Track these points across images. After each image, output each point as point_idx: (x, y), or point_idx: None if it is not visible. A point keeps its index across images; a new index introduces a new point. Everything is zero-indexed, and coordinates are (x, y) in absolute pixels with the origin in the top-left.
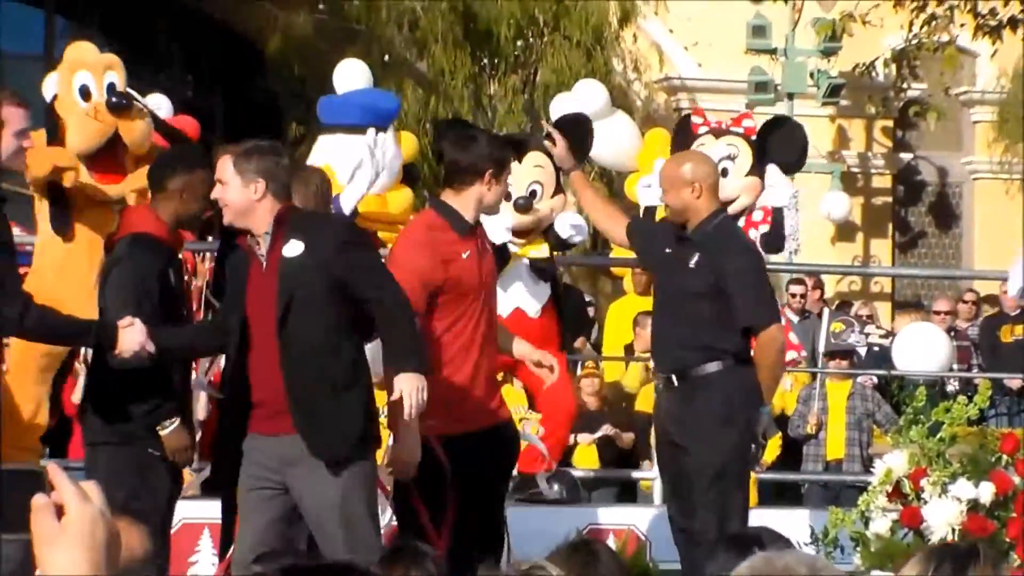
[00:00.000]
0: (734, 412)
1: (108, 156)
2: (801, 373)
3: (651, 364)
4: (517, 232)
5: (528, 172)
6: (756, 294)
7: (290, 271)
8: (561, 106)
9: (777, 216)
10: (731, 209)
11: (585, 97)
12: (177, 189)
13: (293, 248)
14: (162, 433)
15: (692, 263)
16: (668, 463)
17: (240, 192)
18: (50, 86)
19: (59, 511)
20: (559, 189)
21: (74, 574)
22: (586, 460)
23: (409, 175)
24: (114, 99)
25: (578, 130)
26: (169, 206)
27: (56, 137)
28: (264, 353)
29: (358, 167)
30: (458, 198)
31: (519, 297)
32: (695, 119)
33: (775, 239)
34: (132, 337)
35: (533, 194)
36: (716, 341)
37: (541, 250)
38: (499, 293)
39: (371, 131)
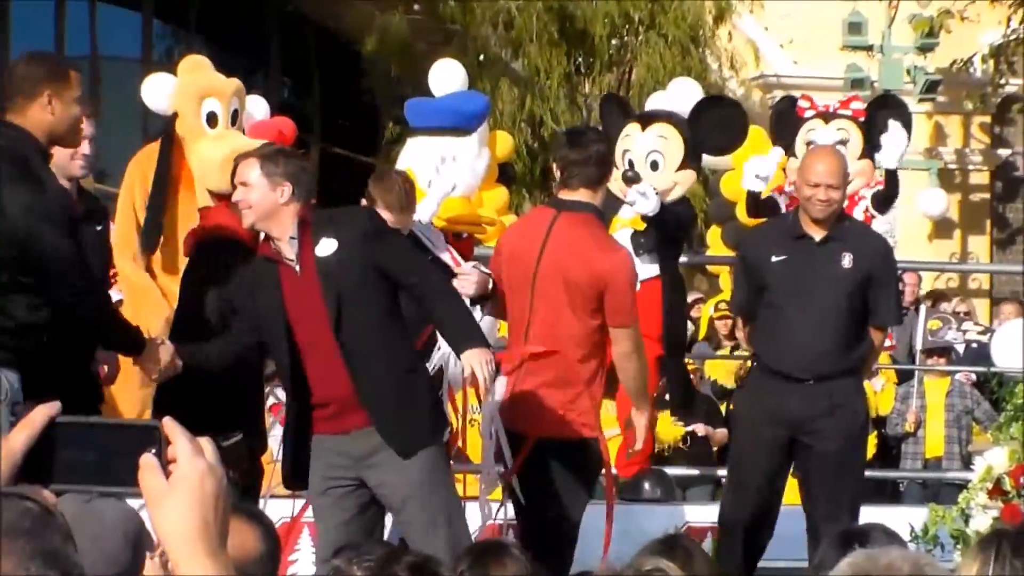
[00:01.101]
0: (868, 415)
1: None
2: (890, 372)
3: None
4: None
5: (650, 141)
6: (898, 292)
7: (329, 270)
8: (656, 105)
9: (891, 177)
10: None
11: (680, 95)
12: None
13: (326, 247)
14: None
15: (846, 263)
16: (779, 462)
17: (267, 195)
18: (158, 95)
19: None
20: (686, 164)
21: (183, 526)
22: None
23: (504, 174)
24: None
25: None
26: None
27: (170, 150)
28: (320, 354)
29: (432, 180)
30: (595, 196)
31: None
32: (802, 103)
33: (887, 200)
34: (161, 355)
35: (654, 165)
36: (855, 343)
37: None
38: None
39: (444, 145)
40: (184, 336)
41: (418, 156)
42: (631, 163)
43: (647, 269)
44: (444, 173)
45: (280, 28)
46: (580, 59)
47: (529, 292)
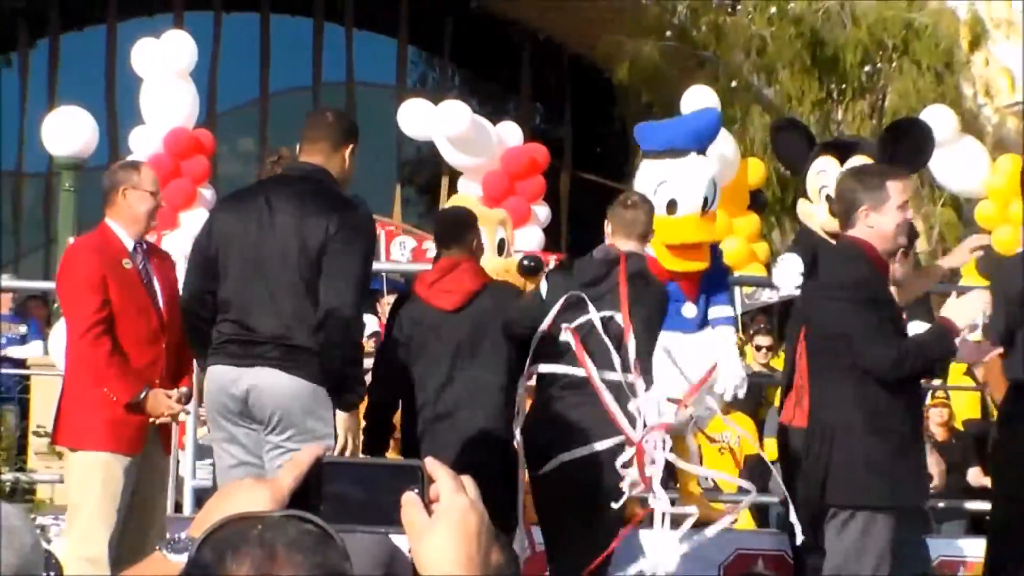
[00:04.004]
0: None
1: None
2: None
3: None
4: (832, 235)
5: None
6: None
7: None
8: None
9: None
10: None
11: (933, 123)
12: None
13: None
14: None
15: None
16: None
17: None
18: (412, 121)
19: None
20: None
21: (446, 561)
22: None
23: (756, 201)
24: (526, 262)
25: (913, 134)
26: None
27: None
28: None
29: None
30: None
31: None
32: None
33: None
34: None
35: None
36: None
37: None
38: None
39: (660, 168)
40: None
41: (640, 181)
42: (828, 198)
43: None
44: (660, 195)
45: (533, 55)
46: (832, 86)
47: None
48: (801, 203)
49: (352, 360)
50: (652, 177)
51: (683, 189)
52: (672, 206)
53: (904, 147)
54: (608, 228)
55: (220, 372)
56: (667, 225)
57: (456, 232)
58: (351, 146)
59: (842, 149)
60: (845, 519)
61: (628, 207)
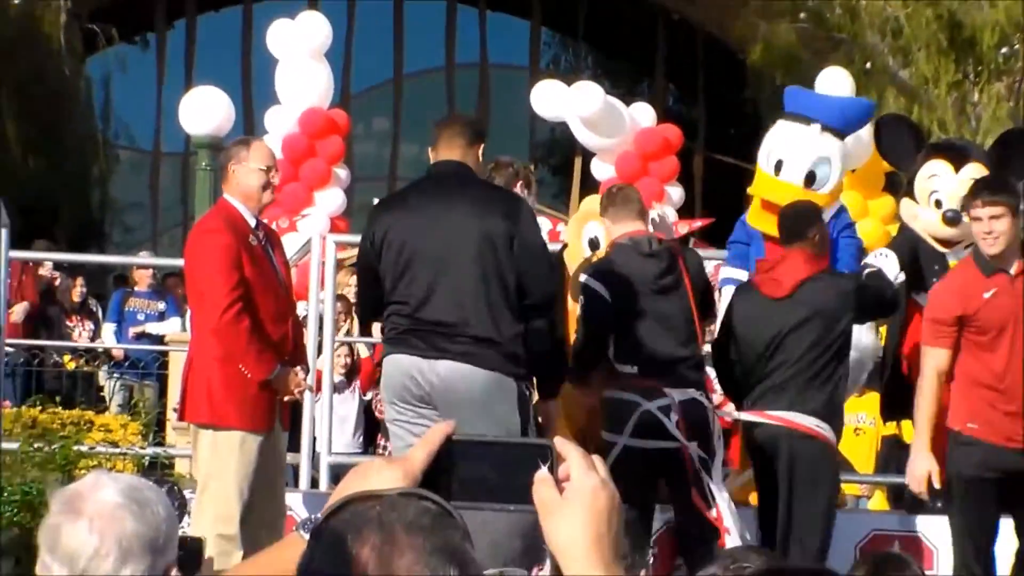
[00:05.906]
0: None
1: None
2: None
3: None
4: (942, 242)
5: (965, 184)
6: None
7: None
8: None
9: None
10: None
11: None
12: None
13: None
14: None
15: None
16: None
17: None
18: (546, 102)
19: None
20: None
21: (576, 539)
22: None
23: (891, 183)
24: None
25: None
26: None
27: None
28: None
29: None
30: None
31: None
32: None
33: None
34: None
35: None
36: None
37: None
38: None
39: (787, 130)
40: None
41: (767, 137)
42: (938, 203)
43: None
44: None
45: (666, 36)
46: (969, 67)
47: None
48: (906, 203)
49: (557, 347)
50: (773, 135)
51: (790, 153)
52: (779, 166)
53: (1016, 157)
54: (614, 217)
55: (402, 360)
56: (768, 182)
57: (796, 227)
58: (481, 143)
59: (955, 154)
60: None
61: (619, 191)
